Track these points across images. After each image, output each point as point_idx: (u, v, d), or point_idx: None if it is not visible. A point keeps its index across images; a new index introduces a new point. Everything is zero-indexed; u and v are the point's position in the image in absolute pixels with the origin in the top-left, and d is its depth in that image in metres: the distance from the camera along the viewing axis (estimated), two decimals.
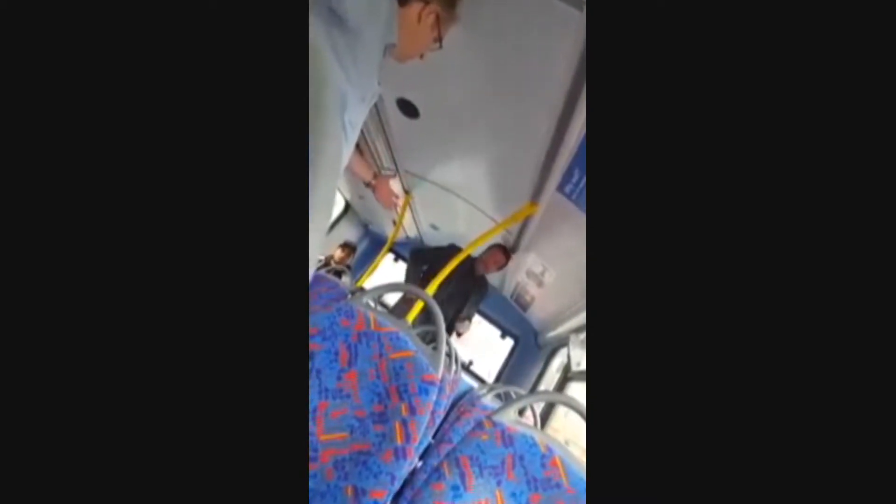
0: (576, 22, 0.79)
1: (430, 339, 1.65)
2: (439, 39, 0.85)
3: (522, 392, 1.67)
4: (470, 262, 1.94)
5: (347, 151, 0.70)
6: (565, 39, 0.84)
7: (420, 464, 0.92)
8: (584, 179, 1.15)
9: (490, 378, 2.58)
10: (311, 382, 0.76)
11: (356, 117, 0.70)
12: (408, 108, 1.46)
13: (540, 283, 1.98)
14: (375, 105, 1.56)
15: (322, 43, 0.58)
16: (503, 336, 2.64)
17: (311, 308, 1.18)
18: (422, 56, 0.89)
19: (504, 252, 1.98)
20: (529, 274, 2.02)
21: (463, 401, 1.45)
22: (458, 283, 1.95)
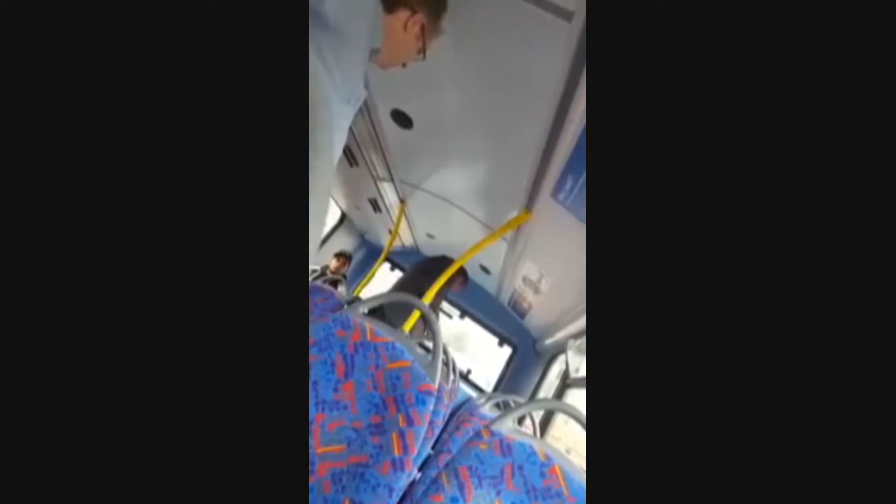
0: (565, 32, 0.81)
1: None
2: (423, 51, 0.85)
3: (521, 400, 1.66)
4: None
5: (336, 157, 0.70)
6: (554, 50, 0.86)
7: (419, 475, 0.91)
8: (577, 186, 1.16)
9: (489, 387, 2.56)
10: None
11: (342, 121, 0.69)
12: (402, 119, 1.47)
13: (537, 290, 1.98)
14: (370, 116, 1.57)
15: (311, 54, 0.58)
16: (501, 344, 2.63)
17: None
18: (404, 65, 0.89)
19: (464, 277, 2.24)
20: (526, 281, 2.02)
21: (462, 410, 1.44)
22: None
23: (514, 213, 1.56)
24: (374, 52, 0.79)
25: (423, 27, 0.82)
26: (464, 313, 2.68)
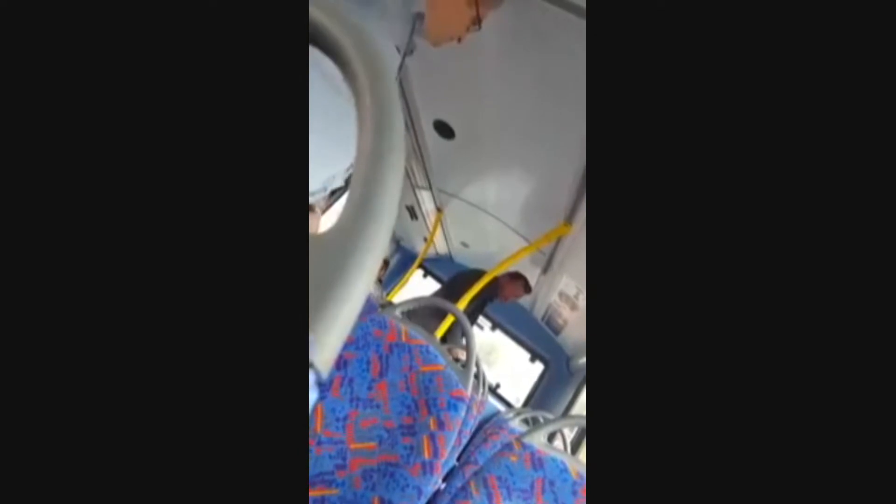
0: None
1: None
2: (478, 20, 0.73)
3: (551, 417, 1.61)
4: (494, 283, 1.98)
5: None
6: None
7: (443, 486, 0.90)
8: None
9: (518, 403, 2.50)
10: (343, 390, 0.77)
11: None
12: (444, 130, 1.50)
13: (574, 306, 1.93)
14: (413, 126, 1.62)
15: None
16: (533, 360, 2.56)
17: None
18: (459, 39, 0.76)
19: (526, 286, 2.08)
20: (562, 296, 1.97)
21: (490, 423, 1.41)
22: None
23: (553, 225, 1.55)
24: (418, 19, 0.71)
25: None
26: (495, 325, 2.65)
